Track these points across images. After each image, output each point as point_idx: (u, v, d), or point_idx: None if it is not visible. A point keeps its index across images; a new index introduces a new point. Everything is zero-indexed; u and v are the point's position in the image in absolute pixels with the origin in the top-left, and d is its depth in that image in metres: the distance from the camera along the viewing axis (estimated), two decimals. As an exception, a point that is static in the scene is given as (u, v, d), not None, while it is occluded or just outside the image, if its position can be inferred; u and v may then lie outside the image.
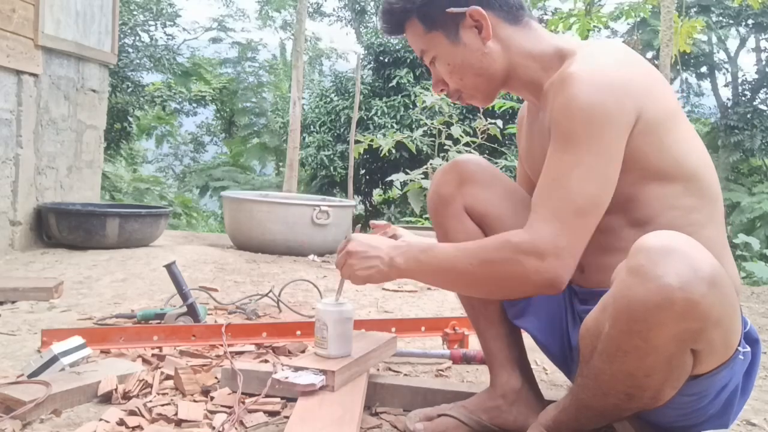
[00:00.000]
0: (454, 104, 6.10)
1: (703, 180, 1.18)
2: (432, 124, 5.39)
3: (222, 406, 1.46)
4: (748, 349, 1.10)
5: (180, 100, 16.23)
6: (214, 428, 1.34)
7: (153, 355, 1.83)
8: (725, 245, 1.20)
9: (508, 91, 1.34)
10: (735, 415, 1.17)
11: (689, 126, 1.21)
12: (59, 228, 3.68)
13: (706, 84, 17.68)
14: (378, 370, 1.77)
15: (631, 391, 1.04)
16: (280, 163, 17.50)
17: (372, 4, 17.87)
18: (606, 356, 1.03)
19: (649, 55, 12.30)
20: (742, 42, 17.16)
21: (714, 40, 16.39)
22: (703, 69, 17.00)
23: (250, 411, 1.42)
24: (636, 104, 1.11)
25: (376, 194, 12.36)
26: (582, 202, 1.08)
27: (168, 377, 1.62)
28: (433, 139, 5.61)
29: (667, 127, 1.14)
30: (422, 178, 4.92)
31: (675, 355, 0.99)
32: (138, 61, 12.97)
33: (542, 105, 1.25)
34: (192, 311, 2.14)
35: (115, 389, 1.49)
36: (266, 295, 2.56)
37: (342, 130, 11.99)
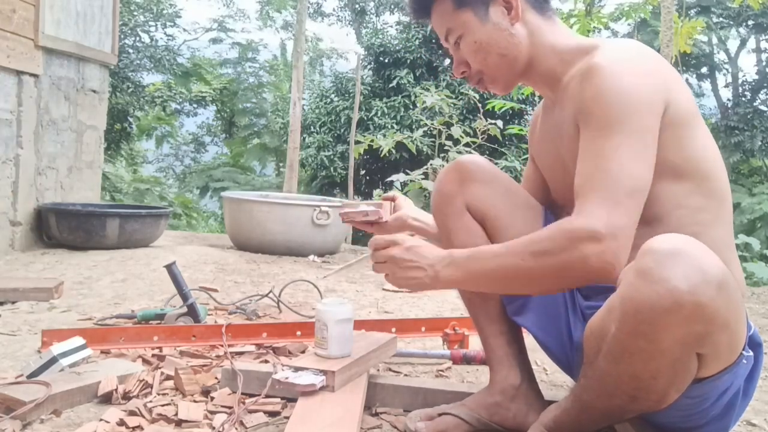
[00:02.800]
0: (455, 105, 6.10)
1: (715, 180, 1.18)
2: (432, 124, 5.39)
3: (222, 406, 1.46)
4: (752, 353, 1.10)
5: (180, 100, 16.24)
6: (214, 428, 1.34)
7: (153, 355, 1.83)
8: (732, 246, 1.20)
9: (525, 84, 1.35)
10: (736, 418, 1.17)
11: (705, 125, 1.21)
12: (59, 228, 3.68)
13: (706, 85, 17.68)
14: (378, 370, 1.77)
15: (636, 393, 1.04)
16: (281, 164, 17.52)
17: (371, 4, 17.89)
18: (611, 358, 1.03)
19: (650, 55, 12.27)
20: (743, 43, 17.15)
21: (714, 41, 16.38)
22: (704, 70, 16.99)
23: (250, 411, 1.42)
24: (664, 95, 1.11)
25: (377, 195, 12.36)
26: (631, 182, 1.07)
27: (168, 377, 1.62)
28: (433, 139, 5.62)
29: (688, 123, 1.15)
30: (422, 179, 4.92)
31: (680, 359, 0.99)
32: (138, 61, 12.99)
33: (559, 99, 1.26)
34: (192, 311, 2.14)
35: (116, 389, 1.49)
36: (266, 295, 2.56)
37: (342, 130, 12.00)
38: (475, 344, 1.85)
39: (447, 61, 12.56)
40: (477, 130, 5.06)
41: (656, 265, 0.94)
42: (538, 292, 1.28)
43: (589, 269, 1.05)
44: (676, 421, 1.14)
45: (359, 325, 1.74)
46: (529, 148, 1.49)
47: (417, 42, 12.31)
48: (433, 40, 12.29)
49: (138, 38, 13.37)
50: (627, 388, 1.04)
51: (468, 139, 5.07)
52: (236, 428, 1.35)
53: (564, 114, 1.22)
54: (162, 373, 1.64)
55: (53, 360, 1.55)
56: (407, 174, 5.06)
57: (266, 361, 1.78)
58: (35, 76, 3.83)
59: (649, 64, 1.14)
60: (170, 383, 1.59)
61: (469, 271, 1.16)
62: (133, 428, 1.33)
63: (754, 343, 1.13)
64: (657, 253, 0.95)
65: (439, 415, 1.37)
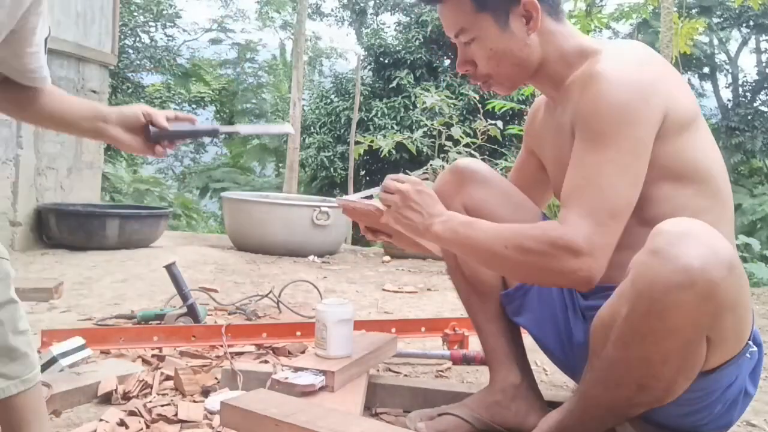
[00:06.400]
0: (454, 105, 6.10)
1: (716, 183, 1.18)
2: (432, 125, 5.38)
3: (222, 406, 1.46)
4: (755, 348, 1.11)
5: (180, 101, 16.23)
6: (213, 428, 1.34)
7: (153, 355, 1.83)
8: (733, 247, 1.20)
9: (530, 84, 1.34)
10: (737, 417, 1.17)
11: (706, 128, 1.21)
12: (59, 229, 3.68)
13: (707, 85, 17.67)
14: (378, 370, 1.77)
15: (644, 380, 1.03)
16: (280, 165, 17.51)
17: (371, 4, 17.88)
18: (622, 343, 1.02)
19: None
20: (743, 43, 17.15)
21: (715, 41, 16.39)
22: (705, 70, 16.99)
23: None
24: (663, 103, 1.12)
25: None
26: (616, 202, 1.08)
27: (168, 378, 1.62)
28: (433, 140, 5.61)
29: (689, 128, 1.15)
30: (422, 179, 4.92)
31: (691, 341, 0.98)
32: (138, 62, 12.99)
33: (561, 100, 1.26)
34: (192, 312, 2.14)
35: (115, 390, 1.49)
36: (266, 295, 2.56)
37: (342, 131, 12.01)
38: (474, 344, 1.85)
39: (447, 62, 12.56)
40: (477, 130, 5.05)
41: (668, 245, 0.95)
42: (510, 277, 1.39)
43: (563, 279, 1.10)
44: (682, 417, 1.13)
45: (359, 325, 1.74)
46: (525, 139, 1.49)
47: (417, 43, 12.31)
48: (433, 42, 12.30)
49: (138, 39, 13.37)
50: (636, 374, 1.03)
51: (468, 140, 5.07)
52: (236, 428, 1.35)
53: (565, 116, 1.23)
54: (162, 374, 1.64)
55: (53, 360, 1.55)
56: (407, 174, 5.05)
57: (266, 362, 1.78)
58: (35, 76, 3.82)
59: (650, 73, 1.14)
60: (170, 383, 1.59)
61: (458, 235, 1.20)
62: (133, 428, 1.33)
63: (755, 342, 1.13)
64: (669, 233, 0.97)
65: (440, 415, 1.38)
